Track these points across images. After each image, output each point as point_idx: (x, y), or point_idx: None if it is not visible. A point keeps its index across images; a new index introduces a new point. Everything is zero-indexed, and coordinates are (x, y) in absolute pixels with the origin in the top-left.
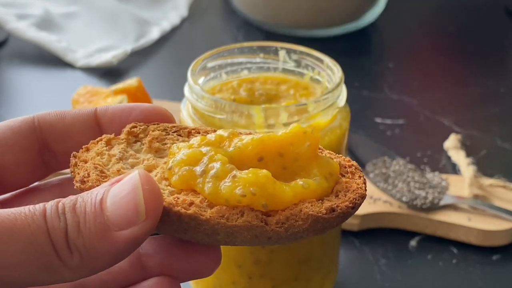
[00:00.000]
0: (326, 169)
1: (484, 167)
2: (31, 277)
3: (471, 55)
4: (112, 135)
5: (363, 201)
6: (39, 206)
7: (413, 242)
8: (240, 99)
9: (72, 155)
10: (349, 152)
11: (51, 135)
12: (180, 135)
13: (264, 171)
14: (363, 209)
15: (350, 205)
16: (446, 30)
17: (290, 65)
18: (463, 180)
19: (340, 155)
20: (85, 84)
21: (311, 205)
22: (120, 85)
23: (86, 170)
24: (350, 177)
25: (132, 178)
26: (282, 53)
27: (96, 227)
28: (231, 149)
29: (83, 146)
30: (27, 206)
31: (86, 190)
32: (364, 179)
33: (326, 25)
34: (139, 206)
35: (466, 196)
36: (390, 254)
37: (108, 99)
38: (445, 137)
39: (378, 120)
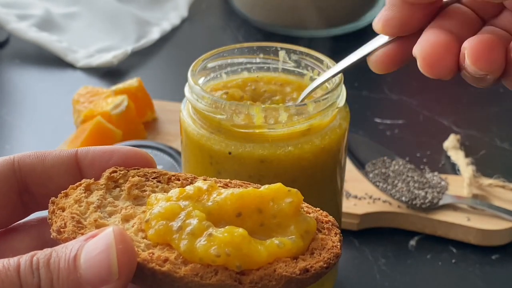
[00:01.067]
0: (303, 227)
1: (483, 167)
2: None
3: None
4: (92, 180)
5: (338, 260)
6: (13, 261)
7: (412, 242)
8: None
9: (50, 201)
10: (349, 152)
11: (31, 177)
12: (159, 181)
13: (240, 230)
14: (362, 209)
15: (325, 265)
16: None
17: (290, 66)
18: (462, 180)
19: (318, 209)
20: (85, 84)
21: (285, 265)
22: (121, 85)
23: (63, 219)
24: (327, 233)
25: (106, 235)
26: (282, 54)
27: (69, 284)
28: (209, 203)
29: (62, 192)
30: (1, 260)
31: (62, 241)
32: (340, 236)
33: (326, 25)
34: (112, 266)
35: (465, 196)
36: (389, 254)
37: (109, 99)
38: (445, 137)
39: (378, 120)
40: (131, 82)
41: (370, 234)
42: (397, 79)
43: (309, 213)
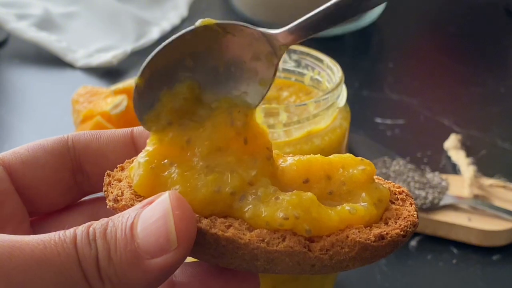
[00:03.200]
0: (375, 194)
1: (484, 167)
2: None
3: (471, 55)
4: None
5: (415, 229)
6: (69, 233)
7: (413, 242)
8: None
9: (106, 173)
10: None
11: (85, 155)
12: None
13: (309, 193)
14: None
15: (401, 233)
16: (446, 30)
17: (290, 65)
18: (463, 180)
19: (389, 181)
20: (85, 84)
21: (359, 232)
22: (120, 85)
23: (120, 188)
24: (401, 204)
25: (162, 201)
26: None
27: (127, 255)
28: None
29: (118, 165)
30: (57, 233)
31: (120, 210)
32: (416, 207)
33: None
34: (170, 234)
35: (466, 196)
36: (390, 254)
37: (108, 99)
38: (445, 137)
39: (378, 120)
40: (131, 82)
41: None
42: (397, 79)
43: (381, 184)
